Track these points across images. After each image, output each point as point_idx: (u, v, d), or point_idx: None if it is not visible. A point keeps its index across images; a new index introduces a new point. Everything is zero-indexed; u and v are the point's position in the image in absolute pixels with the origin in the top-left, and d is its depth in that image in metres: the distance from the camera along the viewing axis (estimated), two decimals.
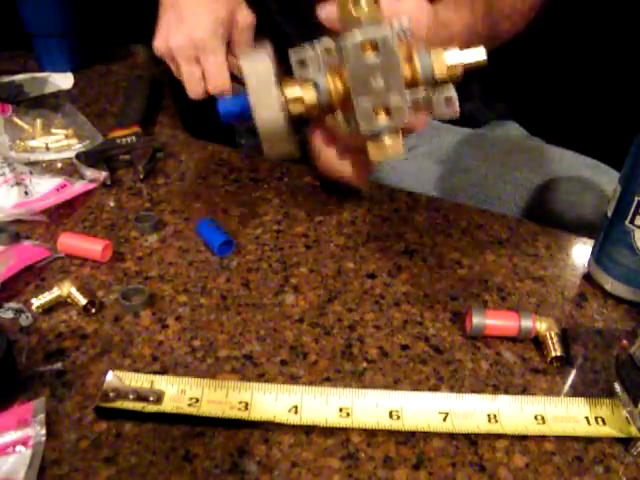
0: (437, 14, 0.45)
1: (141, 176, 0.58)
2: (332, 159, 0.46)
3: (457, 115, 0.40)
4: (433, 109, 0.39)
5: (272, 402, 0.35)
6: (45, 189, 0.55)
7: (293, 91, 0.39)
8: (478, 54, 0.39)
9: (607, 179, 0.64)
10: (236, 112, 0.41)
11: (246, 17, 0.57)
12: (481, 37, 0.52)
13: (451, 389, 0.38)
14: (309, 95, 0.39)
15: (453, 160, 0.69)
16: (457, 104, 0.39)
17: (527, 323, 0.41)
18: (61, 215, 0.53)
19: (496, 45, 0.57)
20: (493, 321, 0.41)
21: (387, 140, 0.38)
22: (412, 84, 0.38)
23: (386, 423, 0.35)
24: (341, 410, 0.35)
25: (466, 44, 0.40)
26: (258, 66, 0.39)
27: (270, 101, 0.39)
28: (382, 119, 0.38)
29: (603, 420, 0.36)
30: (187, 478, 0.32)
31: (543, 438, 0.35)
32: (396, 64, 0.36)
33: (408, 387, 0.38)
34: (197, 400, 0.35)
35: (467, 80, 0.43)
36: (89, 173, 0.57)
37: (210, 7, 0.54)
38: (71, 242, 0.47)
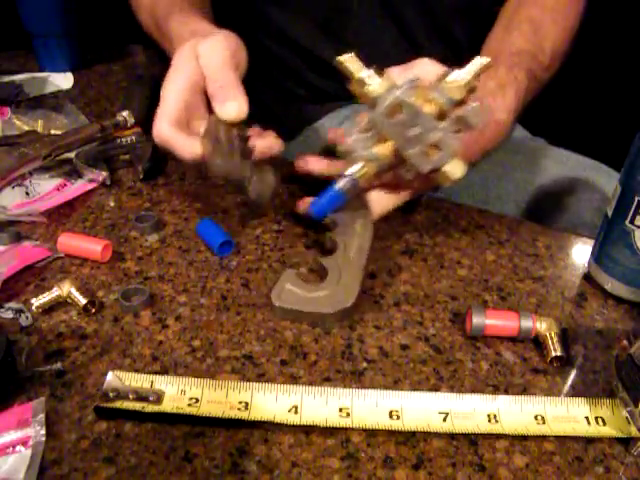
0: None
1: (141, 176, 0.58)
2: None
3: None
4: (470, 123, 0.43)
5: (272, 402, 0.35)
6: (45, 189, 0.56)
7: (358, 168, 0.45)
8: (478, 61, 0.43)
9: (607, 179, 0.64)
10: (329, 208, 0.47)
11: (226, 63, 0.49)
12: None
13: (451, 389, 0.38)
14: (371, 167, 0.45)
15: None
16: (486, 108, 0.45)
17: (527, 323, 0.41)
18: (61, 215, 0.53)
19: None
20: (493, 321, 0.41)
21: (448, 168, 0.44)
22: (443, 116, 0.43)
23: (386, 423, 0.35)
24: (341, 410, 0.35)
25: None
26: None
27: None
28: (435, 155, 0.44)
29: (603, 420, 0.36)
30: (187, 478, 0.32)
31: (543, 438, 0.35)
32: (419, 110, 0.42)
33: (408, 387, 0.38)
34: (197, 400, 0.35)
35: None
36: (89, 173, 0.57)
37: (176, 78, 0.49)
38: (71, 242, 0.47)
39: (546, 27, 0.61)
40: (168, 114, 0.50)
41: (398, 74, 0.46)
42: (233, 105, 0.46)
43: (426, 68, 0.46)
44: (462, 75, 0.42)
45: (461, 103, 0.43)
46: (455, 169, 0.44)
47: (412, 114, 0.42)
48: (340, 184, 0.45)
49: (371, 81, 0.43)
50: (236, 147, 0.46)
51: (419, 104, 0.42)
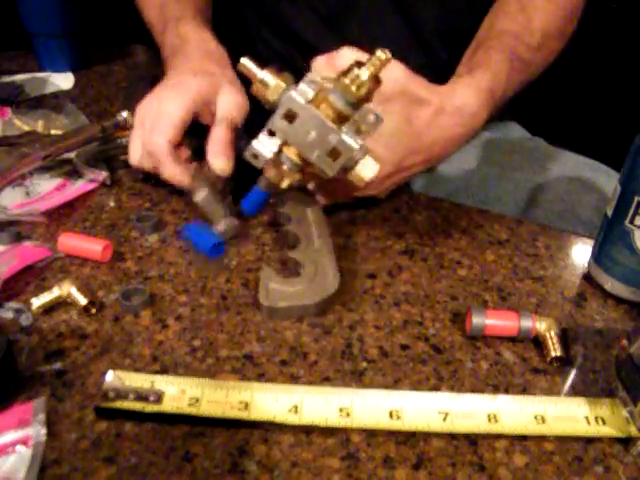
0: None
1: (141, 176, 0.58)
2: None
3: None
4: (361, 128, 0.41)
5: (272, 402, 0.35)
6: (45, 189, 0.56)
7: (272, 172, 0.43)
8: (376, 56, 0.39)
9: (607, 179, 0.64)
10: (257, 206, 0.45)
11: (230, 102, 0.53)
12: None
13: (451, 389, 0.38)
14: (284, 170, 0.43)
15: (453, 160, 0.69)
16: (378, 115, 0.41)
17: (527, 323, 0.41)
18: (61, 215, 0.53)
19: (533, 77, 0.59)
20: (493, 321, 0.41)
21: (358, 168, 0.42)
22: (343, 119, 0.40)
23: (386, 423, 0.35)
24: (341, 410, 0.35)
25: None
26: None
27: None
28: (340, 158, 0.41)
29: (603, 420, 0.36)
30: (187, 478, 0.32)
31: (543, 438, 0.35)
32: (313, 114, 0.40)
33: (408, 387, 0.38)
34: (197, 400, 0.35)
35: None
36: (89, 173, 0.57)
37: (184, 97, 0.52)
38: (71, 242, 0.47)
39: (535, 6, 0.58)
40: (168, 131, 0.51)
41: (323, 65, 0.45)
42: (224, 162, 0.50)
43: (348, 56, 0.43)
44: (360, 73, 0.39)
45: (365, 101, 0.40)
46: (365, 170, 0.42)
47: (307, 118, 0.40)
48: (260, 184, 0.44)
49: (269, 83, 0.41)
50: (219, 191, 0.51)
51: (314, 107, 0.40)
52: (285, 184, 0.43)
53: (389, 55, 0.38)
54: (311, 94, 0.40)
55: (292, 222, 0.51)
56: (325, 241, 0.48)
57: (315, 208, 0.52)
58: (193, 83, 0.53)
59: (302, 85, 0.41)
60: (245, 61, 0.42)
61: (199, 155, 0.53)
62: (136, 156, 0.54)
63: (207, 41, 0.59)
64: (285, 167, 0.43)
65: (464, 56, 0.57)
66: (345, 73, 0.39)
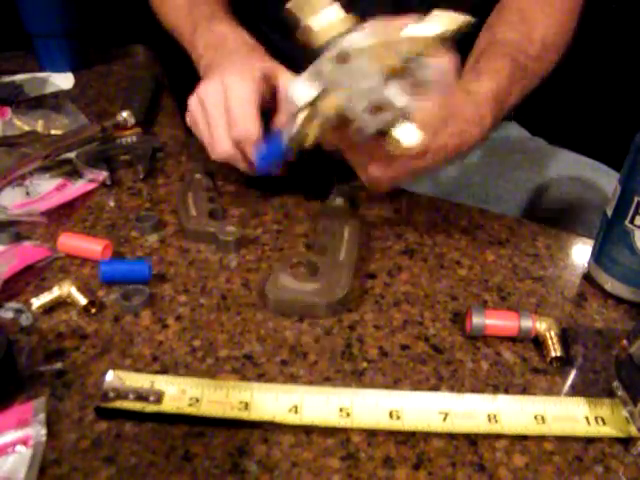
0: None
1: (141, 176, 0.58)
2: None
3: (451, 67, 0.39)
4: (418, 77, 0.38)
5: (272, 402, 0.35)
6: (45, 189, 0.56)
7: (301, 124, 0.40)
8: (452, 17, 0.37)
9: (607, 179, 0.64)
10: (272, 161, 0.43)
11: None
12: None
13: (451, 389, 0.38)
14: (315, 122, 0.40)
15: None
16: (443, 66, 0.39)
17: (527, 323, 0.41)
18: (61, 215, 0.53)
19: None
20: (493, 321, 0.41)
21: (398, 132, 0.39)
22: (400, 73, 0.38)
23: (386, 423, 0.35)
24: (341, 410, 0.35)
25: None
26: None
27: None
28: (382, 115, 0.38)
29: (603, 420, 0.36)
30: (187, 478, 0.32)
31: (543, 438, 0.35)
32: (369, 61, 0.37)
33: (408, 387, 0.38)
34: (197, 400, 0.35)
35: None
36: (89, 173, 0.57)
37: (249, 66, 0.52)
38: (71, 242, 0.47)
39: (535, 17, 0.59)
40: (254, 114, 0.49)
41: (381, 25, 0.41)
42: None
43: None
44: (427, 29, 0.37)
45: (418, 60, 0.38)
46: (407, 135, 0.39)
47: (362, 65, 0.37)
48: (284, 136, 0.41)
49: (325, 22, 0.38)
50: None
51: (372, 55, 0.37)
52: (310, 140, 0.40)
53: (467, 19, 0.37)
54: (369, 42, 0.37)
55: (327, 234, 0.50)
56: (350, 257, 0.47)
57: (352, 225, 0.51)
58: (256, 67, 0.52)
59: (362, 29, 0.38)
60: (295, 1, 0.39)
61: None
62: (225, 147, 0.51)
63: (247, 37, 0.58)
64: (316, 121, 0.39)
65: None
66: (413, 27, 0.37)
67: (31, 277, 0.45)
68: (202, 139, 0.53)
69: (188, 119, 0.54)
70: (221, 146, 0.51)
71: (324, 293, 0.43)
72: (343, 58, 0.37)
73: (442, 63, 0.43)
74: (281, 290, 0.43)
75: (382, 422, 0.35)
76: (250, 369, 0.39)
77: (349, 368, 0.39)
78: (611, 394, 0.37)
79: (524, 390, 0.38)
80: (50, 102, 0.73)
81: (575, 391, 0.39)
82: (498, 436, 0.35)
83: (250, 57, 0.55)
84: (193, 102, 0.53)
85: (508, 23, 0.59)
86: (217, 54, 0.56)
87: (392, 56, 0.37)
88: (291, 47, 0.75)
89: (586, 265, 0.50)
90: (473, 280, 0.48)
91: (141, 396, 0.35)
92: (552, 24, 0.60)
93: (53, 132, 0.64)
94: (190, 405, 0.35)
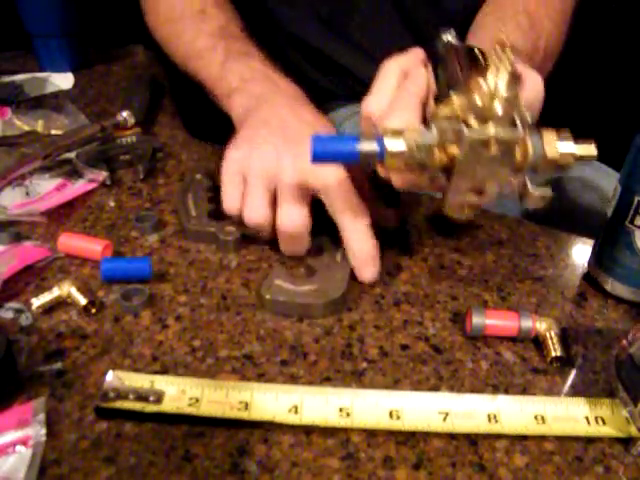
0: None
1: (141, 176, 0.58)
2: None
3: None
4: (527, 197, 0.37)
5: (272, 402, 0.35)
6: (45, 189, 0.56)
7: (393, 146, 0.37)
8: (588, 149, 0.37)
9: (607, 179, 0.64)
10: (330, 157, 0.40)
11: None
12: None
13: (451, 389, 0.38)
14: (409, 156, 0.37)
15: None
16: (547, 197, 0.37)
17: (527, 323, 0.41)
18: (61, 215, 0.53)
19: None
20: (493, 321, 0.41)
21: (467, 209, 0.39)
22: (517, 169, 0.37)
23: (386, 423, 0.35)
24: (341, 410, 0.35)
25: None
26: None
27: None
28: (470, 197, 0.38)
29: (603, 420, 0.36)
30: (187, 478, 0.32)
31: (543, 438, 0.35)
32: (510, 160, 0.36)
33: (408, 387, 0.38)
34: (197, 400, 0.35)
35: None
36: (89, 173, 0.57)
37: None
38: (71, 242, 0.47)
39: (542, 23, 0.58)
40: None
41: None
42: None
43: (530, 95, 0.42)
44: (569, 148, 0.36)
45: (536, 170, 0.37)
46: (472, 210, 0.39)
47: (500, 159, 0.36)
48: (361, 145, 0.37)
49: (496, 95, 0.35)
50: None
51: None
52: (385, 173, 0.38)
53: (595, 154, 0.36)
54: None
55: (319, 255, 0.47)
56: (347, 258, 0.46)
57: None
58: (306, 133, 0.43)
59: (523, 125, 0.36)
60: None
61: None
62: (263, 212, 0.46)
63: (290, 83, 0.53)
64: (409, 154, 0.36)
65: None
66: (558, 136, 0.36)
67: (31, 277, 0.45)
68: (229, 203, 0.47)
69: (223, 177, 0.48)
70: (259, 213, 0.46)
71: (320, 294, 0.43)
72: (492, 144, 0.35)
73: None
74: (276, 291, 0.43)
75: (382, 422, 0.35)
76: (250, 369, 0.39)
77: (349, 368, 0.39)
78: (611, 394, 0.37)
79: (524, 390, 0.38)
80: (50, 102, 0.73)
81: (575, 391, 0.39)
82: (498, 436, 0.35)
83: (300, 111, 0.49)
84: (232, 166, 0.47)
85: (519, 27, 0.57)
86: (262, 101, 0.50)
87: (528, 154, 0.36)
88: (292, 55, 0.73)
89: (586, 265, 0.50)
90: (473, 280, 0.48)
91: (141, 396, 0.35)
92: (554, 31, 0.60)
93: (53, 132, 0.64)
94: (190, 405, 0.35)
